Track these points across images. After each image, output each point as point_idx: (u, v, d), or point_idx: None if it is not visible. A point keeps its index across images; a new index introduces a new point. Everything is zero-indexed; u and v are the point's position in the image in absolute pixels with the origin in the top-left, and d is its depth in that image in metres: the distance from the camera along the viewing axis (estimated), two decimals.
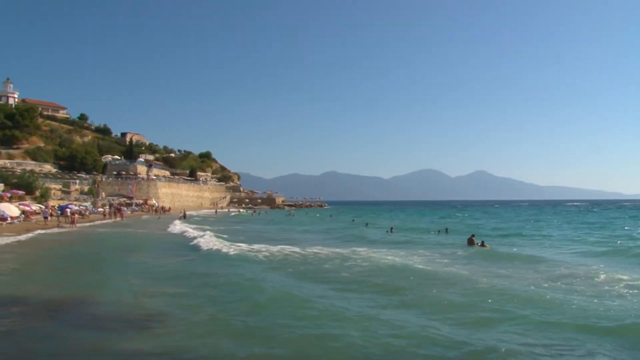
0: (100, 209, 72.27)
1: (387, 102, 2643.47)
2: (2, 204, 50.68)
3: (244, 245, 30.82)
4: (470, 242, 32.82)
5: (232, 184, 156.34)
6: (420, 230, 52.38)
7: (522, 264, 23.71)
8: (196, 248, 31.26)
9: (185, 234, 43.10)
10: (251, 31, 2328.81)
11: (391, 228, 50.31)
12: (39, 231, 41.26)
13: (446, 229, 50.05)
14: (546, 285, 18.03)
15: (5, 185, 63.52)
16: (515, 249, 31.52)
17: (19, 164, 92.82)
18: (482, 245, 31.99)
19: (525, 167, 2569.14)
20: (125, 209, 79.26)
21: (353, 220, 73.36)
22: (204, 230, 44.56)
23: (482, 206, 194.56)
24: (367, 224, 61.37)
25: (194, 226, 51.50)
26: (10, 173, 75.36)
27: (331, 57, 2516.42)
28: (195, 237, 37.47)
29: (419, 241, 38.07)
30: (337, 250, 29.06)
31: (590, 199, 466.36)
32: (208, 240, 34.34)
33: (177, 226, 52.44)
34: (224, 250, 28.94)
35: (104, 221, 60.67)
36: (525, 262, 24.55)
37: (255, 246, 30.27)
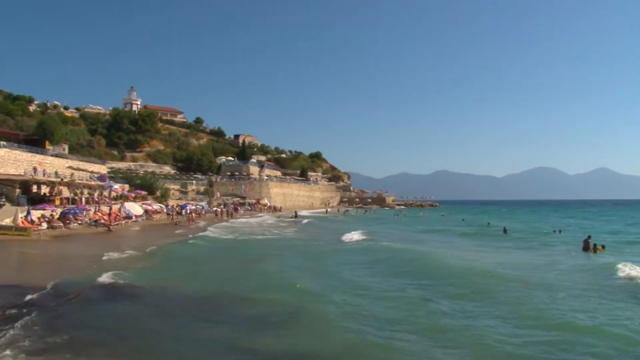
0: (216, 208, 73.85)
1: (498, 98, 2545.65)
2: (127, 203, 52.65)
3: None
4: (586, 245, 30.61)
5: (342, 183, 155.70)
6: (535, 231, 51.29)
7: None
8: None
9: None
10: (360, 30, 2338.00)
11: (504, 229, 50.40)
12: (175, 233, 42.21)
13: (559, 230, 48.70)
14: None
15: (130, 185, 66.49)
16: None
17: (141, 166, 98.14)
18: (595, 249, 30.00)
19: None
20: (239, 209, 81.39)
21: (463, 219, 74.00)
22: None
23: (601, 206, 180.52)
24: (488, 224, 61.04)
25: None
26: (134, 174, 79.29)
27: (439, 54, 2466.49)
28: None
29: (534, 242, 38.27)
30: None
31: None
32: None
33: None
34: None
35: (221, 221, 61.79)
36: None
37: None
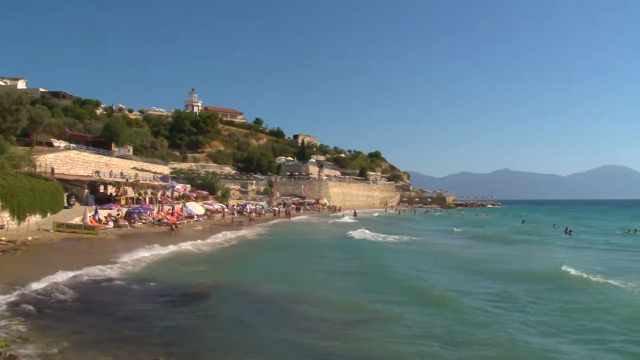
0: (275, 208, 74.27)
1: (564, 94, 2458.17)
2: (189, 203, 53.28)
3: None
4: None
5: (401, 183, 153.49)
6: (604, 232, 49.88)
7: None
8: None
9: None
10: (418, 31, 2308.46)
11: (568, 230, 48.66)
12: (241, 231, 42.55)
13: (635, 230, 47.59)
14: None
15: (192, 186, 67.56)
16: None
17: (202, 167, 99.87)
18: None
19: None
20: (300, 208, 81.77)
21: (523, 222, 71.46)
22: None
23: None
24: (554, 225, 59.13)
25: None
26: (195, 175, 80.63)
27: (499, 53, 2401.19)
28: None
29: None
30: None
31: None
32: None
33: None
34: None
35: (277, 220, 61.98)
36: None
37: None
